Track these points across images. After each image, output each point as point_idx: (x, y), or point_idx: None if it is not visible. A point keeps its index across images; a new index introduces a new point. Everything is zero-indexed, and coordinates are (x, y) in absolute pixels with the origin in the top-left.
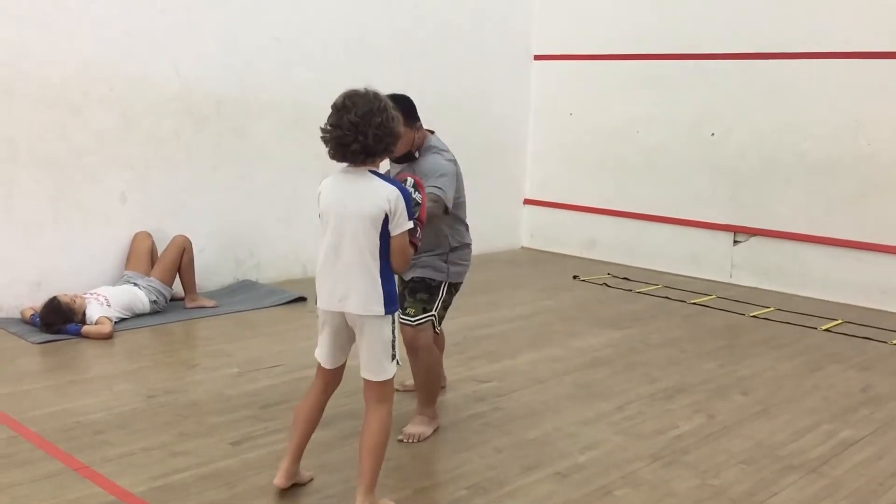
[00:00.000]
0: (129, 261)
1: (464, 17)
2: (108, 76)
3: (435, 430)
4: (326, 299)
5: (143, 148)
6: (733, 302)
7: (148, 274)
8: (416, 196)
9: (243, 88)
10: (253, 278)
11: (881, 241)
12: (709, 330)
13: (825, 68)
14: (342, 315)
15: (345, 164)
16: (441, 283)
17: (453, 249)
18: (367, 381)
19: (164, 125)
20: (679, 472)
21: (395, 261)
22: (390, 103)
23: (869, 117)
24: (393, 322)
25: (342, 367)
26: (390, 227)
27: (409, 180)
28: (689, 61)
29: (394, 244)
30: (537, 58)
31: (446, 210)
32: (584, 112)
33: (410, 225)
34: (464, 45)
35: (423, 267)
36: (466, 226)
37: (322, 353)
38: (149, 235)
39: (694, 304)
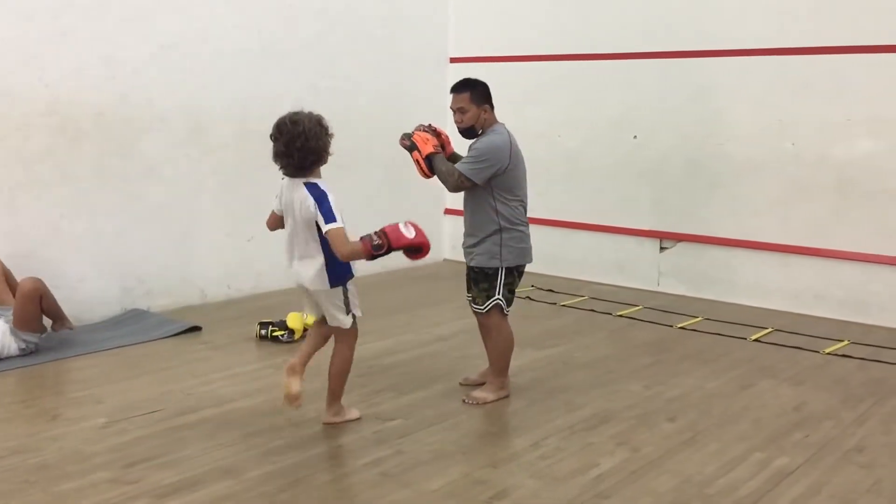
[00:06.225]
0: None
1: (375, 21)
2: None
3: (502, 398)
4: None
5: (10, 169)
6: (661, 312)
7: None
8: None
9: (127, 100)
10: (143, 307)
11: (809, 244)
12: (635, 345)
13: (747, 66)
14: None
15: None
16: (497, 269)
17: (504, 230)
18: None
19: (34, 143)
20: None
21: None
22: (310, 126)
23: (793, 117)
24: (344, 290)
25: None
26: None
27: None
28: (609, 61)
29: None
30: (453, 60)
31: (473, 184)
32: (503, 116)
33: (335, 224)
34: (376, 49)
35: (481, 255)
36: (523, 204)
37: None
38: None
39: (620, 315)
